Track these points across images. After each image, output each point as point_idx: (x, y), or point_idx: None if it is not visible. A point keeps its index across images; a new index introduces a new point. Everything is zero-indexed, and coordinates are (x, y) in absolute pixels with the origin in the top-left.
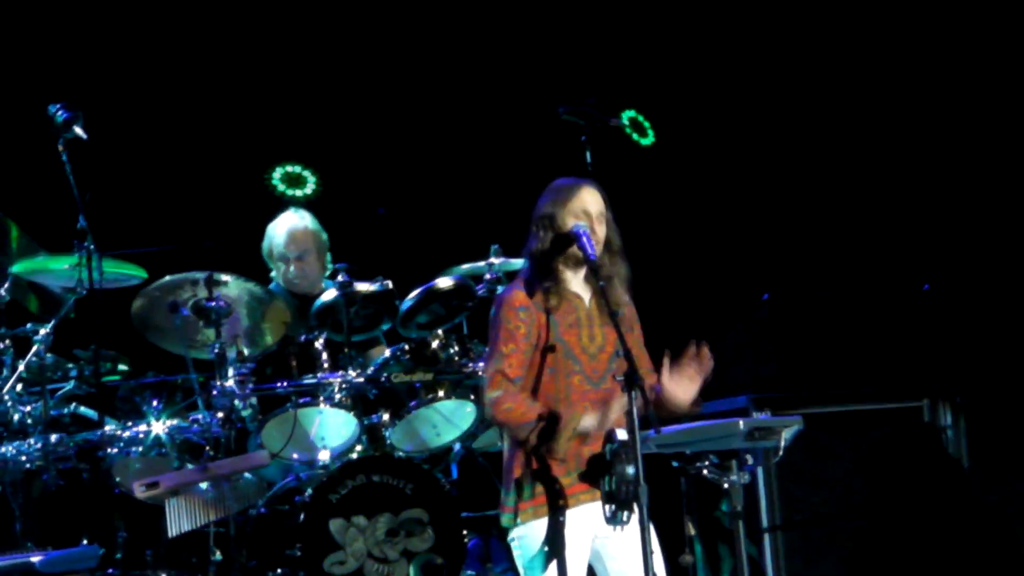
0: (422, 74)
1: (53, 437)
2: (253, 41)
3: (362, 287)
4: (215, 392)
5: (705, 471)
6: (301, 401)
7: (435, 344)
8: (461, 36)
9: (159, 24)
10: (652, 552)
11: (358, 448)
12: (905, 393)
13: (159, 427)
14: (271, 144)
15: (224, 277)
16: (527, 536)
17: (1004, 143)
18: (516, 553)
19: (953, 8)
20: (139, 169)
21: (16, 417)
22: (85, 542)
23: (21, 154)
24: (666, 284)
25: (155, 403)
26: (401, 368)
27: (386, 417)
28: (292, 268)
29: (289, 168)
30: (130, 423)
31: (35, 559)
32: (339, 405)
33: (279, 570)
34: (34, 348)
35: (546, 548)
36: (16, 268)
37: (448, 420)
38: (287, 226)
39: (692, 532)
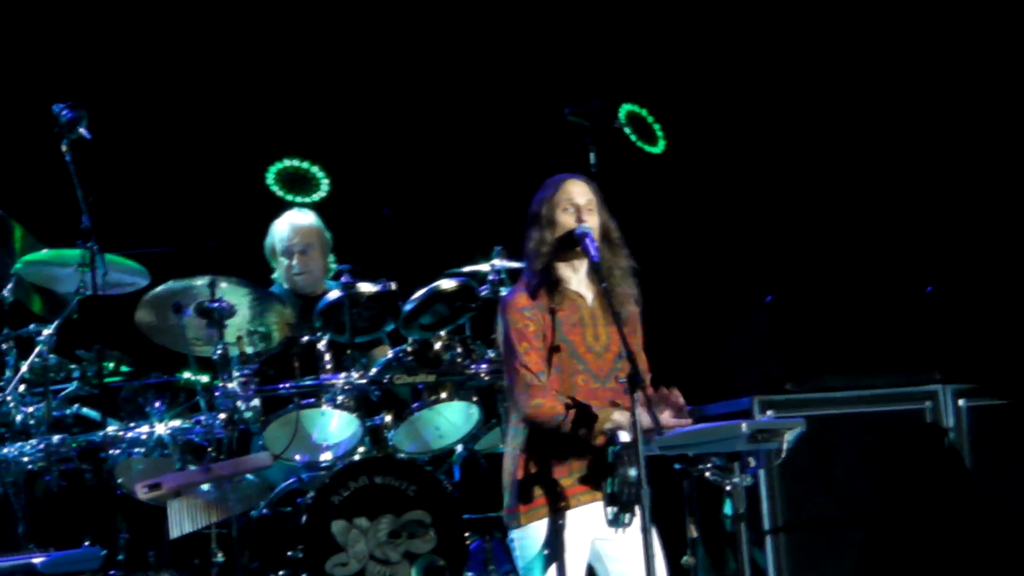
0: (427, 75)
1: (56, 438)
2: (258, 42)
3: (365, 288)
4: (218, 393)
5: (707, 473)
6: (304, 402)
7: (438, 346)
8: (466, 37)
9: (165, 24)
10: (654, 555)
11: (360, 449)
12: (908, 395)
13: (162, 428)
14: (276, 145)
15: (224, 284)
16: (527, 537)
17: (1005, 143)
18: (515, 554)
19: (953, 9)
20: (143, 169)
21: (19, 418)
22: (87, 543)
23: (25, 154)
24: (671, 286)
25: (158, 404)
26: (404, 370)
27: (389, 419)
28: (295, 262)
29: (288, 164)
30: (133, 424)
31: (37, 560)
32: (342, 406)
33: (281, 572)
34: (37, 349)
35: (546, 550)
36: (18, 265)
37: (451, 422)
38: (291, 222)
39: (694, 534)
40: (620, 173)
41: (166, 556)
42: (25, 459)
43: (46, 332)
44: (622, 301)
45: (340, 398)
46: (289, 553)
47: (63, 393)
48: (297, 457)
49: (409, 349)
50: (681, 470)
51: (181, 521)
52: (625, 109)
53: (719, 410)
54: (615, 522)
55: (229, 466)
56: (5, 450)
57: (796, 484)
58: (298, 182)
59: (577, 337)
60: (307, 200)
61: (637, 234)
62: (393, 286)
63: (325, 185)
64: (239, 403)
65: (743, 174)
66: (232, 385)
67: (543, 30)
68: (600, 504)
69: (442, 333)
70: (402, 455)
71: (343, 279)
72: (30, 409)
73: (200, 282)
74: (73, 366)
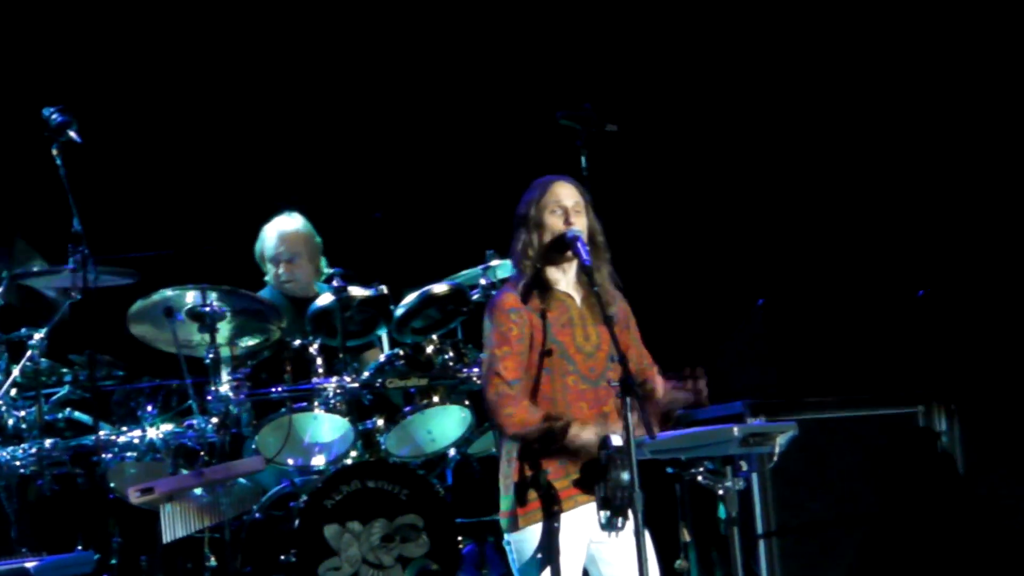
0: (418, 79)
1: (48, 442)
2: (250, 46)
3: (357, 292)
4: (210, 397)
5: (700, 477)
6: (296, 406)
7: (430, 349)
8: (457, 41)
9: (155, 28)
10: (647, 559)
11: (353, 453)
12: (900, 399)
13: (154, 432)
14: (267, 148)
15: (214, 294)
16: (523, 540)
17: (1000, 148)
18: (512, 557)
19: (952, 9)
20: (135, 173)
21: (11, 422)
22: (80, 548)
23: (15, 158)
24: (662, 290)
25: (150, 408)
26: (396, 373)
27: (381, 422)
28: (282, 270)
29: None
30: (125, 428)
31: (30, 565)
32: (334, 410)
33: None
34: (29, 353)
35: (542, 553)
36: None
37: (443, 426)
38: (278, 228)
39: (687, 538)
40: (612, 176)
41: (159, 560)
42: (17, 463)
43: (37, 336)
44: (609, 302)
45: (332, 402)
46: (282, 557)
47: (55, 397)
48: (290, 461)
49: (401, 353)
50: (673, 474)
51: (174, 525)
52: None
53: (711, 414)
54: (608, 526)
55: (222, 470)
56: None
57: (789, 488)
58: None
59: (567, 338)
60: None
61: (629, 237)
62: (384, 290)
63: None
64: (231, 407)
65: (736, 177)
66: (224, 389)
67: (534, 34)
68: (595, 507)
69: (434, 337)
70: (394, 459)
71: (335, 283)
72: (22, 413)
73: (191, 293)
74: (65, 370)
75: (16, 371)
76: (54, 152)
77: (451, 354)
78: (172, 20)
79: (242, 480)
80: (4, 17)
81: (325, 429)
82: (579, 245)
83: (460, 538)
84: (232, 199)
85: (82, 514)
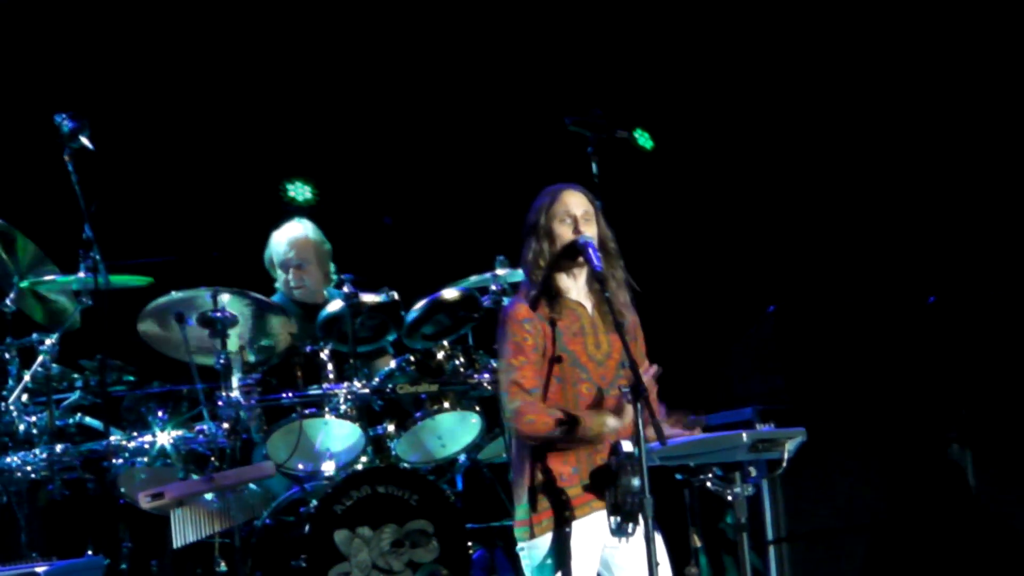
0: (429, 85)
1: (58, 447)
2: (259, 51)
3: (368, 298)
4: (220, 403)
5: (709, 483)
6: (306, 412)
7: (440, 355)
8: (469, 47)
9: (165, 34)
10: (658, 564)
11: (363, 459)
12: (910, 406)
13: (164, 437)
14: (277, 154)
15: (226, 296)
16: (536, 548)
17: (1013, 156)
18: (524, 563)
19: (958, 13)
20: (146, 179)
21: (22, 427)
22: (90, 552)
23: (27, 164)
24: (673, 296)
25: (160, 413)
26: (406, 379)
27: (391, 428)
28: (292, 277)
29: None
30: (135, 433)
31: (40, 569)
32: (344, 416)
33: None
34: (40, 358)
35: (553, 558)
36: (23, 285)
37: (453, 431)
38: (288, 235)
39: (697, 544)
40: (622, 183)
41: (169, 565)
42: (28, 468)
43: (48, 342)
44: (620, 305)
45: (343, 407)
46: (292, 562)
47: (66, 402)
48: (300, 466)
49: (412, 359)
50: (682, 480)
51: (184, 530)
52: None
53: (721, 420)
54: (618, 531)
55: (232, 475)
56: (8, 459)
57: (798, 494)
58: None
59: (579, 347)
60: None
61: (640, 243)
62: (395, 295)
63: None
64: (242, 412)
65: (746, 184)
66: (235, 394)
67: (544, 40)
68: (607, 513)
69: (444, 343)
70: (405, 464)
71: (345, 289)
72: (33, 418)
73: (202, 293)
74: (76, 375)
75: (27, 376)
76: (65, 158)
77: (461, 360)
78: (183, 27)
79: (252, 485)
80: (16, 23)
81: (335, 435)
82: (591, 251)
83: (470, 543)
84: (243, 205)
85: (92, 519)
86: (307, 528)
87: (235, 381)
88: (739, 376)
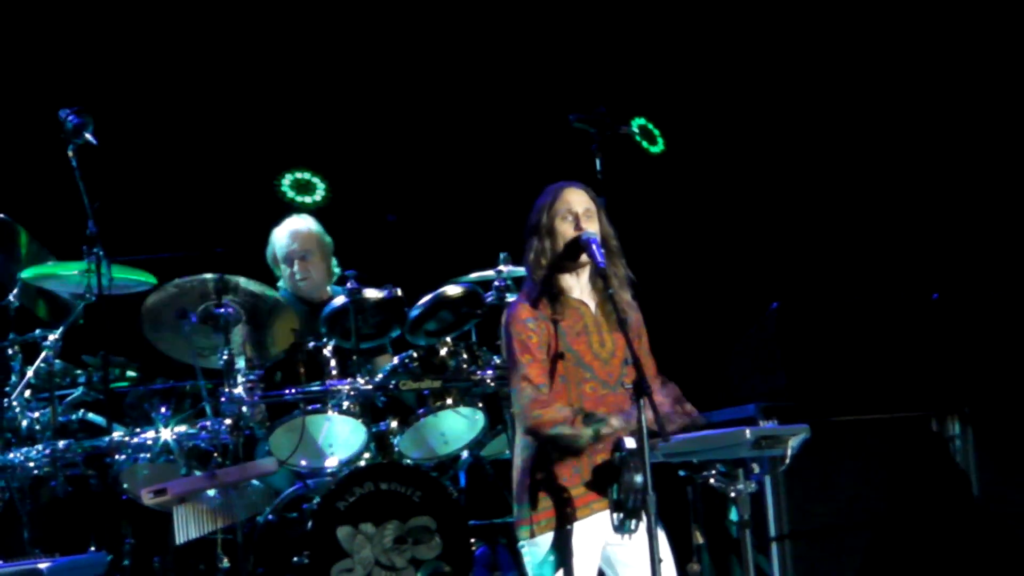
0: (432, 81)
1: (61, 443)
2: (263, 48)
3: (371, 294)
4: (223, 399)
5: (712, 480)
6: (309, 408)
7: (444, 352)
8: (472, 44)
9: (170, 30)
10: (661, 560)
11: (366, 455)
12: (913, 403)
13: (167, 434)
14: (281, 151)
15: (236, 279)
16: (538, 547)
17: (1015, 153)
18: (526, 560)
19: (963, 14)
20: (149, 175)
21: (24, 423)
22: (93, 549)
23: (31, 160)
24: (676, 292)
25: (163, 410)
26: (409, 376)
27: (394, 424)
28: (296, 269)
29: (299, 175)
30: (138, 430)
31: (43, 566)
32: (347, 412)
33: None
34: (43, 354)
35: (555, 558)
36: (25, 275)
37: (456, 428)
38: (290, 228)
39: (700, 541)
40: (626, 180)
41: (171, 562)
42: (31, 464)
43: (52, 337)
44: (624, 307)
45: (346, 404)
46: (295, 559)
47: (69, 399)
48: (303, 463)
49: (415, 355)
50: (685, 477)
51: (187, 527)
52: (637, 122)
53: (724, 417)
54: (621, 528)
55: (235, 472)
56: (11, 455)
57: (801, 491)
58: (304, 187)
59: (583, 346)
60: (309, 201)
61: (644, 240)
62: (398, 292)
63: (323, 187)
64: (245, 409)
65: (750, 181)
66: (238, 390)
67: (548, 36)
68: (609, 512)
69: (447, 339)
70: (408, 461)
71: (348, 285)
72: (36, 414)
73: (208, 279)
74: (79, 371)
75: (30, 372)
76: (70, 154)
77: (464, 356)
78: (186, 23)
79: (255, 482)
80: (21, 19)
81: (338, 431)
82: (593, 247)
83: (472, 540)
84: (246, 202)
85: (95, 515)
86: (310, 524)
87: (238, 377)
88: (742, 373)
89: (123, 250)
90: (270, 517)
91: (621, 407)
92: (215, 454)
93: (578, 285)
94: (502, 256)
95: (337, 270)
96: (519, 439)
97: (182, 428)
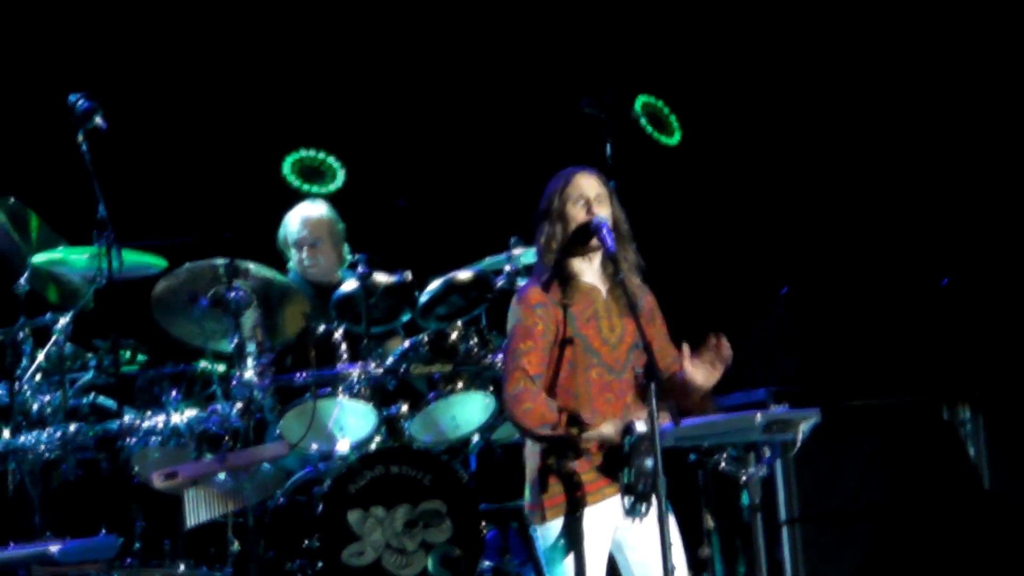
0: (444, 66)
1: (72, 427)
2: (274, 31)
3: (381, 278)
4: (234, 382)
5: (722, 464)
6: (320, 392)
7: (454, 336)
8: (483, 28)
9: (181, 13)
10: (671, 544)
11: (377, 439)
12: (924, 388)
13: (178, 417)
14: (292, 135)
15: (247, 264)
16: (548, 530)
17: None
18: (538, 546)
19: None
20: (160, 160)
21: (35, 407)
22: (103, 532)
23: (41, 144)
24: (686, 277)
25: (174, 393)
26: (420, 360)
27: (405, 408)
28: (306, 255)
29: (304, 155)
30: (149, 413)
31: (54, 548)
32: (358, 396)
33: (297, 561)
34: (53, 338)
35: (565, 542)
36: (36, 260)
37: (467, 412)
38: (302, 214)
39: (710, 525)
40: (637, 165)
41: (182, 545)
42: (42, 448)
43: (62, 321)
44: (634, 292)
45: (356, 388)
46: (305, 542)
47: (79, 382)
48: (313, 446)
49: (425, 339)
50: (696, 461)
51: (197, 510)
52: (641, 100)
53: (734, 401)
54: (631, 512)
55: (245, 455)
56: (22, 439)
57: (812, 475)
58: (314, 173)
59: (592, 331)
60: (323, 190)
61: (654, 225)
62: (409, 276)
63: (341, 175)
64: (255, 392)
65: (760, 166)
66: (248, 374)
67: (560, 21)
68: (619, 497)
69: (458, 323)
70: (418, 445)
71: (359, 269)
72: (47, 398)
73: (219, 263)
74: (89, 355)
75: (41, 356)
76: (80, 139)
77: (475, 340)
78: (195, 7)
79: (266, 465)
80: (29, 4)
81: (349, 415)
82: (604, 232)
83: (483, 524)
84: (258, 186)
85: (106, 499)
86: (320, 508)
87: (249, 361)
88: (753, 358)
89: (133, 234)
90: (281, 501)
91: (626, 393)
92: (226, 438)
93: (590, 269)
94: (512, 240)
95: (349, 256)
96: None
97: (193, 412)
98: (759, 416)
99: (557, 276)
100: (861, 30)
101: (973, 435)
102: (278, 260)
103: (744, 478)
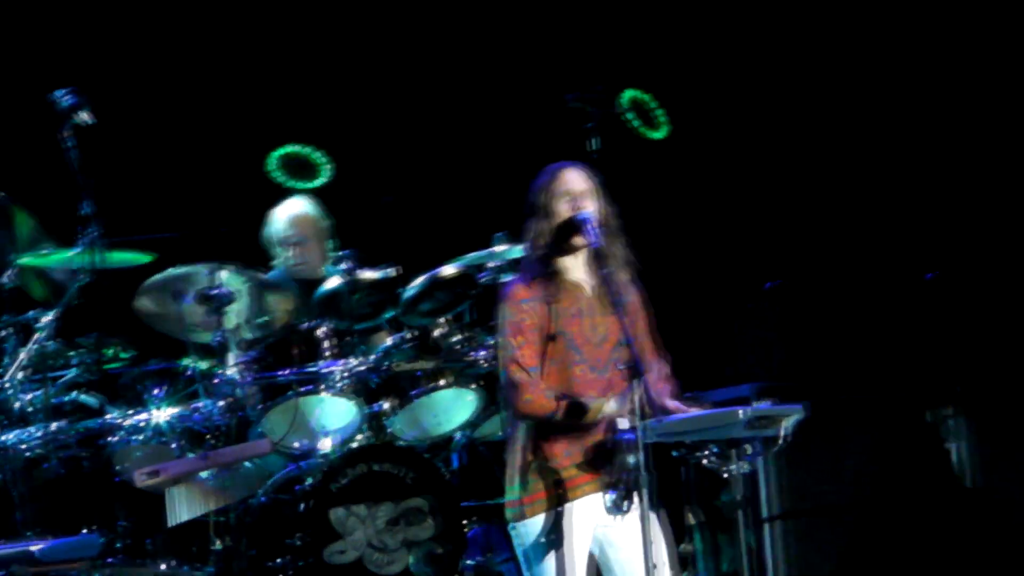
0: (429, 62)
1: (54, 425)
2: (261, 27)
3: (366, 274)
4: (217, 380)
5: (705, 460)
6: (303, 389)
7: (438, 332)
8: (468, 23)
9: (167, 10)
10: (652, 542)
11: (360, 437)
12: (908, 383)
13: (160, 415)
14: (279, 131)
15: (223, 273)
16: (528, 529)
17: (1010, 135)
18: (516, 543)
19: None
20: (146, 155)
21: (17, 405)
22: (86, 531)
23: (27, 140)
24: (672, 272)
25: (156, 391)
26: (404, 356)
27: (388, 406)
28: (292, 253)
29: (291, 150)
30: (132, 411)
31: (35, 547)
32: (341, 393)
33: (279, 559)
34: (36, 335)
35: (546, 539)
36: (21, 262)
37: (450, 409)
38: (288, 212)
39: (693, 521)
40: (622, 159)
41: (165, 543)
42: (24, 446)
43: (46, 319)
44: (619, 283)
45: (340, 385)
46: (288, 540)
47: (62, 380)
48: (296, 444)
49: (409, 336)
50: (679, 457)
51: (180, 508)
52: (628, 95)
53: (721, 396)
54: (614, 508)
55: (228, 453)
56: (4, 437)
57: (795, 471)
58: (300, 168)
59: (575, 328)
60: (309, 186)
61: (640, 220)
62: (393, 272)
63: (327, 170)
64: (238, 390)
65: (747, 159)
66: (231, 372)
67: (545, 16)
68: (601, 494)
69: (442, 320)
70: (401, 442)
71: (344, 265)
72: (29, 396)
73: (201, 269)
74: (72, 353)
75: (24, 354)
76: (65, 135)
77: (459, 337)
78: (187, 4)
79: (248, 463)
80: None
81: (332, 412)
82: (588, 227)
83: (466, 521)
84: (242, 182)
85: (88, 497)
86: (303, 506)
87: (232, 359)
88: (740, 352)
89: (120, 230)
90: (263, 499)
91: (610, 390)
92: (208, 436)
93: (576, 265)
94: (497, 237)
95: (334, 253)
96: (511, 418)
97: (176, 409)
98: (742, 412)
99: (543, 272)
100: (842, 25)
101: (956, 430)
102: (265, 254)
103: (727, 474)
